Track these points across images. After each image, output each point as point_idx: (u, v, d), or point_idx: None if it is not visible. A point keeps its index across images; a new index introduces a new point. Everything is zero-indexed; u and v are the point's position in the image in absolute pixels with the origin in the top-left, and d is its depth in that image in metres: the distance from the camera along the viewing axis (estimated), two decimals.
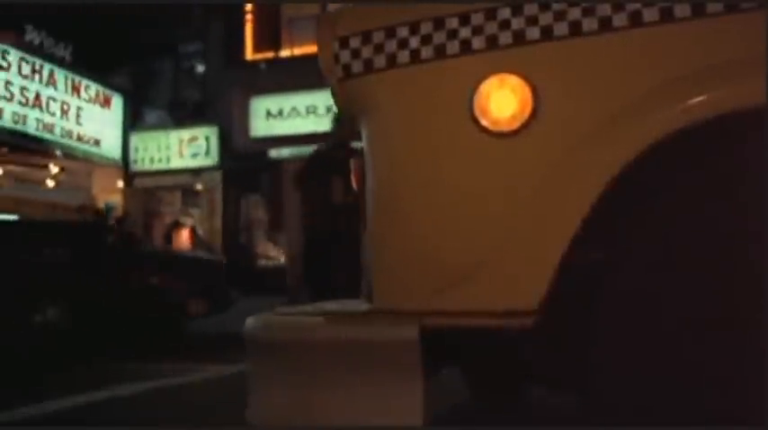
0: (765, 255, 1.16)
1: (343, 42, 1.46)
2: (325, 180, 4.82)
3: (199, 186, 15.50)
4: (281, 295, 10.52)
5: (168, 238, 12.99)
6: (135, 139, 15.73)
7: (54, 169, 13.92)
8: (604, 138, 1.24)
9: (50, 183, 14.25)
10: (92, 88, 14.41)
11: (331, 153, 4.89)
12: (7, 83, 12.15)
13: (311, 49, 9.43)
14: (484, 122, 1.32)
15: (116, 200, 15.57)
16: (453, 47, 1.35)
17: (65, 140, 13.52)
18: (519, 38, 1.31)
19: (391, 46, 1.40)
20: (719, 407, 1.18)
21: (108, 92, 14.96)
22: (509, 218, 1.30)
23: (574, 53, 1.29)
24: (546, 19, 1.29)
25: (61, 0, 12.24)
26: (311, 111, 13.67)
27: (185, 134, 15.31)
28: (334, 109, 1.44)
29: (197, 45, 15.91)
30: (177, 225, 13.63)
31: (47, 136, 13.03)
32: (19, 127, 12.33)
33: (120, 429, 3.10)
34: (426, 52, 1.37)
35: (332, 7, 1.64)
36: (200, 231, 14.27)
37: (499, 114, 1.31)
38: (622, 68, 1.27)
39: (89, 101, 14.35)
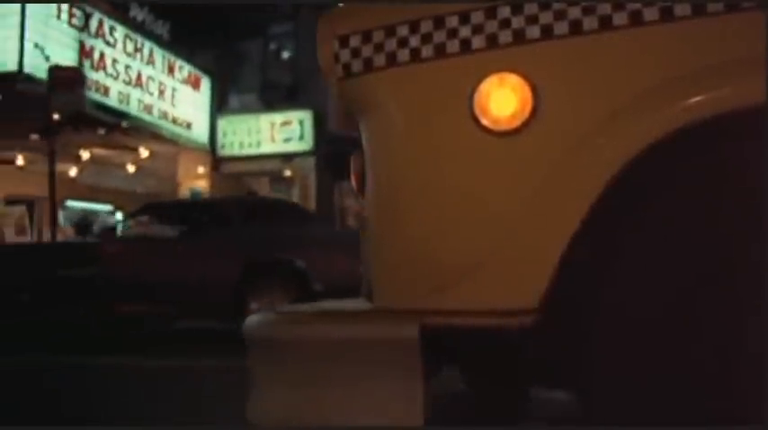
0: (765, 255, 1.15)
1: (343, 41, 1.45)
2: None
3: (288, 172, 14.98)
4: None
5: None
6: (222, 123, 15.18)
7: (144, 153, 13.67)
8: (604, 137, 1.24)
9: (131, 169, 13.99)
10: (185, 69, 14.20)
11: None
12: (114, 60, 11.99)
13: None
14: (484, 121, 1.32)
15: (201, 185, 15.28)
16: (453, 46, 1.35)
17: (161, 122, 13.33)
18: (519, 37, 1.31)
19: (391, 45, 1.40)
20: (719, 407, 1.18)
21: (198, 73, 14.68)
22: (509, 217, 1.30)
23: (574, 52, 1.29)
24: (546, 18, 1.29)
25: None
26: None
27: (278, 118, 14.67)
28: None
29: (287, 26, 15.30)
30: None
31: (146, 117, 12.84)
32: (123, 107, 12.16)
33: (120, 429, 3.10)
34: (426, 51, 1.37)
35: None
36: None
37: (499, 113, 1.31)
38: (622, 67, 1.27)
39: (182, 82, 14.13)
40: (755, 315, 1.16)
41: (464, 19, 1.35)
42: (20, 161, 12.41)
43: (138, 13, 12.83)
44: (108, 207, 14.39)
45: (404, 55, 1.39)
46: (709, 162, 1.24)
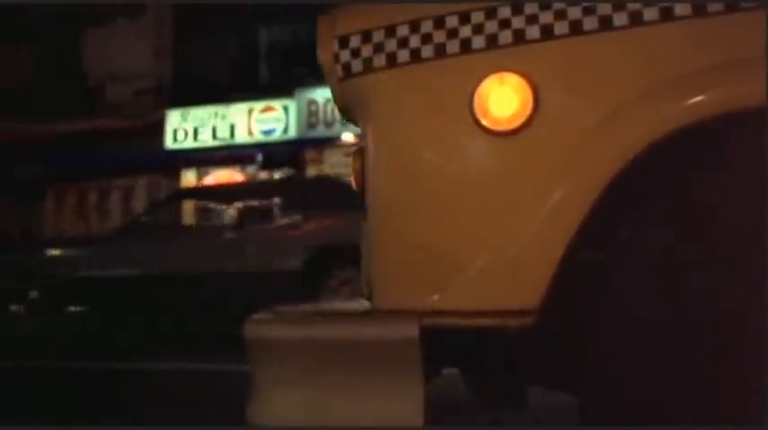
0: (766, 255, 1.15)
1: (343, 41, 1.45)
2: None
3: None
4: None
5: None
6: None
7: None
8: (605, 137, 1.24)
9: None
10: None
11: None
12: None
13: None
14: (484, 122, 1.32)
15: None
16: (453, 46, 1.35)
17: None
18: (519, 37, 1.31)
19: (391, 45, 1.40)
20: (719, 407, 1.18)
21: None
22: (509, 217, 1.30)
23: (574, 52, 1.29)
24: (546, 18, 1.29)
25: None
26: None
27: None
28: None
29: None
30: None
31: None
32: None
33: (123, 429, 3.10)
34: (426, 51, 1.37)
35: None
36: None
37: (500, 113, 1.31)
38: (623, 67, 1.27)
39: None
40: (758, 315, 1.16)
41: (464, 19, 1.35)
42: None
43: None
44: None
45: (404, 55, 1.39)
46: (709, 162, 1.24)
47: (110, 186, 16.82)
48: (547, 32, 1.29)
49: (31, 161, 16.13)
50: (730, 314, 1.19)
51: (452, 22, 1.35)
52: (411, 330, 1.32)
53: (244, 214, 6.73)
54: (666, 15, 1.24)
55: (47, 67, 16.54)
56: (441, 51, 1.36)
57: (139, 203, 15.83)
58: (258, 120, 15.46)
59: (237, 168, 15.96)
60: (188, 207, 7.80)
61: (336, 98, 1.54)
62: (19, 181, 16.44)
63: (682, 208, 1.25)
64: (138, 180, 16.51)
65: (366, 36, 1.43)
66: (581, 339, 1.32)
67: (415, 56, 1.38)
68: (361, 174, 1.54)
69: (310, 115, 14.87)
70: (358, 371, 1.37)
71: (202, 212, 7.48)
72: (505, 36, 1.32)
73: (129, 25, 16.22)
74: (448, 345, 1.50)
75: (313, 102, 14.76)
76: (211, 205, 7.20)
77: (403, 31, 1.39)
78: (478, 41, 1.33)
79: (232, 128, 15.67)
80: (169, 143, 16.04)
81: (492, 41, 1.33)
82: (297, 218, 6.53)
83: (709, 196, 1.24)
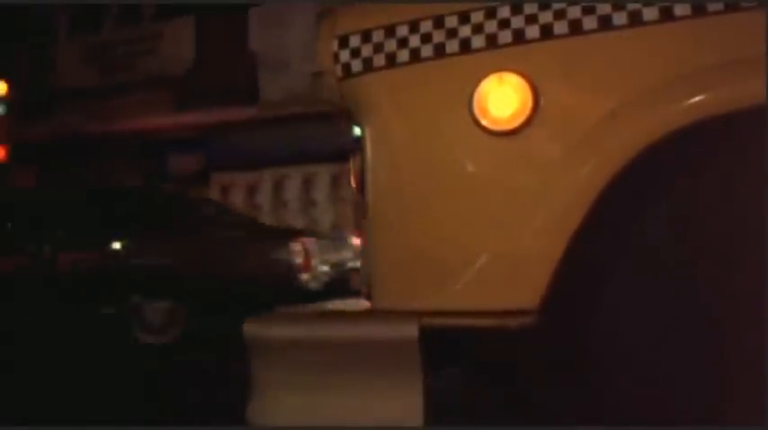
0: (766, 254, 1.16)
1: (343, 41, 1.45)
2: None
3: None
4: None
5: None
6: None
7: None
8: (604, 137, 1.24)
9: None
10: None
11: None
12: None
13: None
14: (484, 121, 1.32)
15: None
16: (453, 46, 1.35)
17: None
18: (519, 36, 1.31)
19: (391, 45, 1.40)
20: (720, 407, 1.18)
21: None
22: (509, 217, 1.30)
23: (574, 51, 1.29)
24: (546, 18, 1.29)
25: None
26: None
27: None
28: None
29: None
30: None
31: None
32: None
33: (121, 429, 3.10)
34: (426, 51, 1.37)
35: None
36: None
37: (499, 113, 1.31)
38: (623, 67, 1.27)
39: None
40: (758, 314, 1.16)
41: (464, 19, 1.34)
42: None
43: None
44: None
45: (403, 55, 1.39)
46: (709, 162, 1.24)
47: (284, 176, 15.36)
48: (546, 32, 1.29)
49: (193, 150, 14.96)
50: (730, 314, 1.19)
51: (452, 21, 1.35)
52: (411, 330, 1.32)
53: None
54: (666, 15, 1.23)
55: (214, 51, 14.98)
56: (440, 51, 1.36)
57: (320, 194, 14.78)
58: None
59: None
60: None
61: (336, 98, 1.54)
62: (180, 172, 14.97)
63: (681, 208, 1.25)
64: (319, 169, 15.03)
65: (366, 36, 1.43)
66: (581, 339, 1.32)
67: (415, 56, 1.38)
68: (361, 174, 1.53)
69: None
70: (358, 371, 1.37)
71: None
72: (505, 36, 1.32)
73: (303, 2, 15.38)
74: (448, 345, 1.50)
75: None
76: None
77: (402, 30, 1.39)
78: (478, 41, 1.33)
79: None
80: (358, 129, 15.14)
81: (491, 41, 1.33)
82: None
83: (709, 196, 1.24)
